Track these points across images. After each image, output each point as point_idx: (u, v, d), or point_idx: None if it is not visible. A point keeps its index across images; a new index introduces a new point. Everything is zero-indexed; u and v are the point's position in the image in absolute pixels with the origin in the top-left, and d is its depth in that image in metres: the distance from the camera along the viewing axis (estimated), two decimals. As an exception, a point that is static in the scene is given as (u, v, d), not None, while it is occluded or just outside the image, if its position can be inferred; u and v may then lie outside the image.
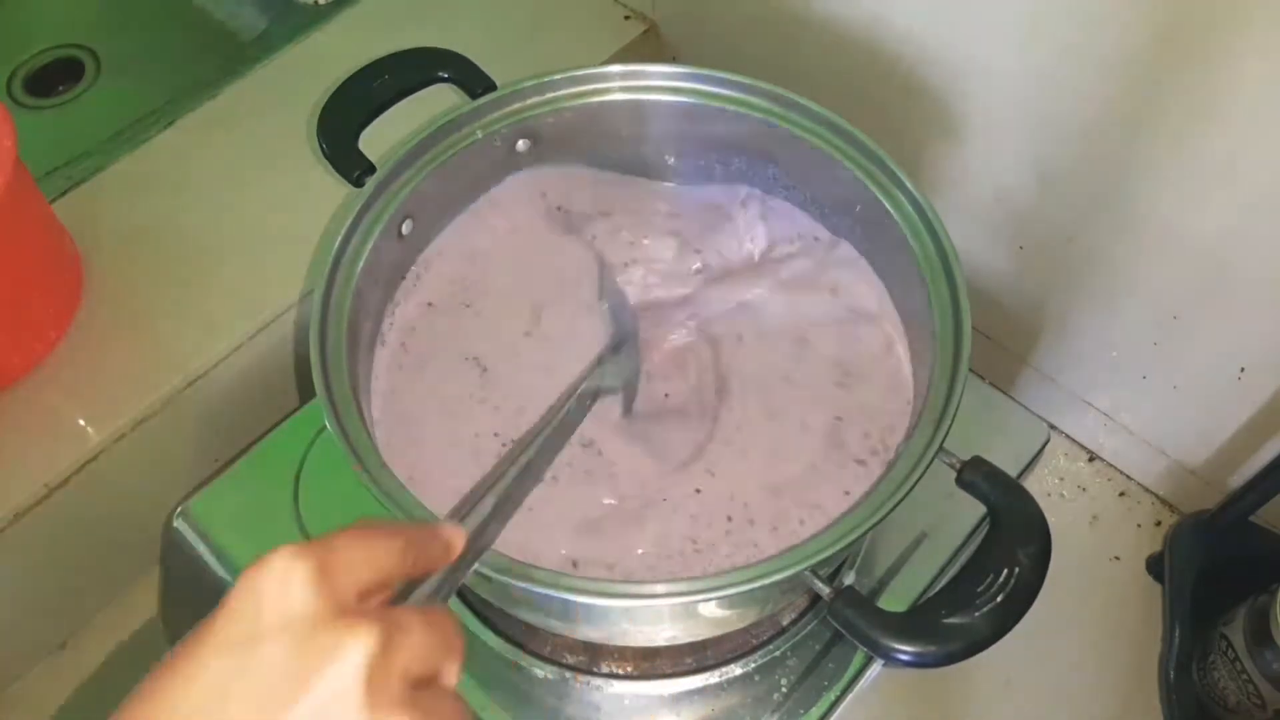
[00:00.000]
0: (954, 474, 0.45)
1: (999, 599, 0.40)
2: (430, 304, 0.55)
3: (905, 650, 0.40)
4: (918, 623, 0.41)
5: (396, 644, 0.28)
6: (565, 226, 0.58)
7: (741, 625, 0.54)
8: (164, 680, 0.28)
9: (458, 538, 0.35)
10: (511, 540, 0.44)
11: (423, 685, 0.29)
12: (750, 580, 0.40)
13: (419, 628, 0.29)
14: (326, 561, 0.29)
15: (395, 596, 0.33)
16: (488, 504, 0.40)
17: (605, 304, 0.54)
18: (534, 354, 0.53)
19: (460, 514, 0.40)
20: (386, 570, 0.31)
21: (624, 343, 0.52)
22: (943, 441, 0.43)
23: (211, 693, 0.27)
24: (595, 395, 0.49)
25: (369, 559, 0.30)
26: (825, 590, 0.42)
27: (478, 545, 0.37)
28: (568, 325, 0.54)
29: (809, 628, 0.55)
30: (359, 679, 0.27)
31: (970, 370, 0.45)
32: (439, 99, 0.56)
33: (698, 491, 0.49)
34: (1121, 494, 0.70)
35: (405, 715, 0.28)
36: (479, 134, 0.54)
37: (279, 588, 0.28)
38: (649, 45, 0.79)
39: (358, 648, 0.27)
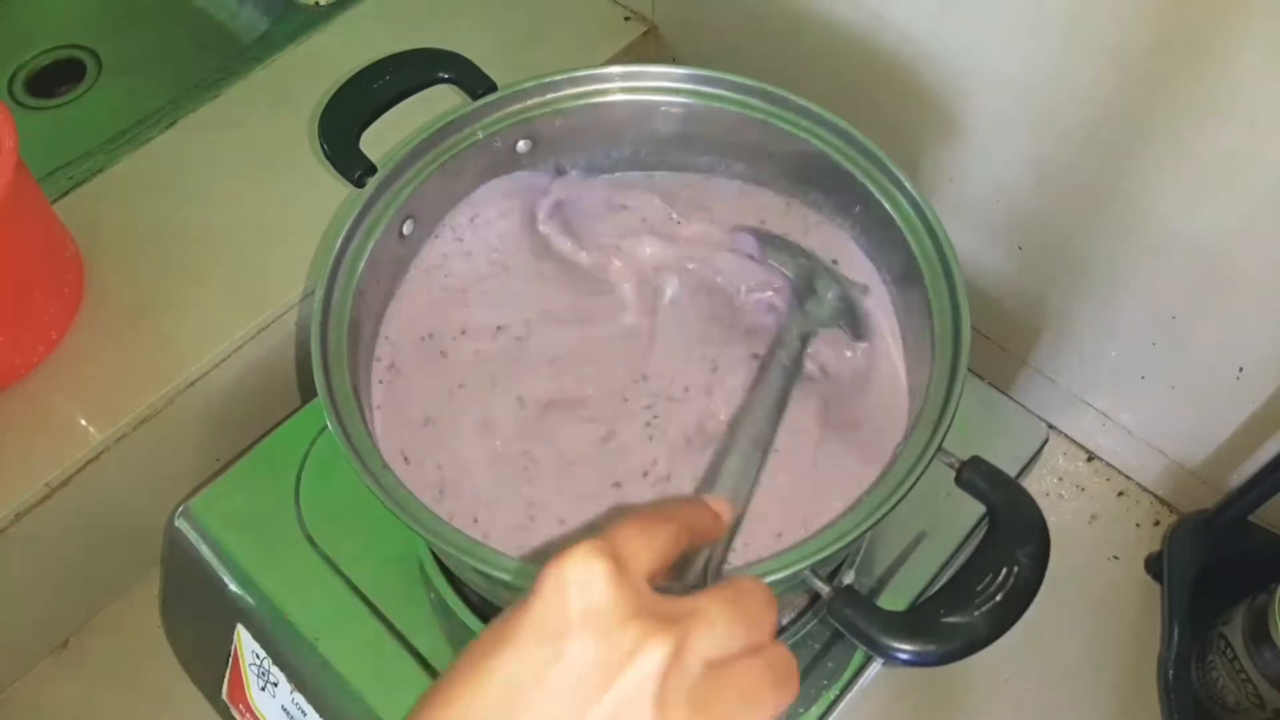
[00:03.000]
0: (953, 474, 0.45)
1: (998, 598, 0.40)
2: (429, 302, 0.55)
3: (904, 649, 0.40)
4: (917, 622, 0.41)
5: (696, 638, 0.29)
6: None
7: (741, 625, 0.54)
8: (469, 679, 0.29)
9: (724, 508, 0.37)
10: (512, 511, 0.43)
11: (739, 658, 0.30)
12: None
13: (723, 615, 0.30)
14: (622, 557, 0.30)
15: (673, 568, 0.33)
16: (732, 467, 0.42)
17: (771, 259, 0.54)
18: (534, 349, 0.53)
19: (710, 485, 0.42)
20: (669, 554, 0.32)
21: (812, 279, 0.52)
22: (942, 441, 0.43)
23: (525, 680, 0.28)
24: (805, 338, 0.49)
25: (654, 546, 0.31)
26: (824, 589, 0.42)
27: (737, 511, 0.39)
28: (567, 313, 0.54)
29: (808, 627, 0.55)
30: (655, 679, 0.28)
31: (969, 370, 0.45)
32: (440, 100, 0.56)
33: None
34: (1120, 494, 0.70)
35: (694, 715, 0.28)
36: (480, 135, 0.54)
37: (583, 584, 0.29)
38: (649, 46, 0.79)
39: (657, 646, 0.28)
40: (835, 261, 0.55)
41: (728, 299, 0.55)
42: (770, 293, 0.54)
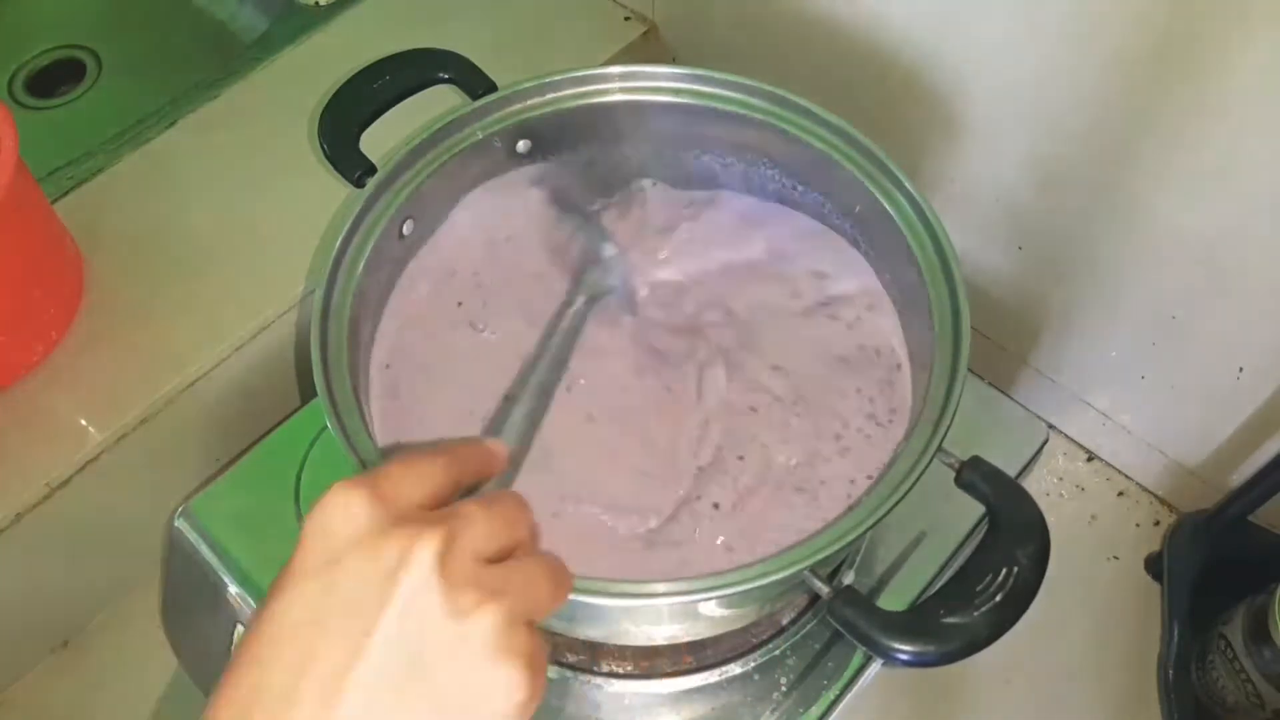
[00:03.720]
0: (953, 474, 0.45)
1: (998, 598, 0.40)
2: (428, 302, 0.55)
3: (904, 649, 0.40)
4: (917, 622, 0.41)
5: (460, 532, 0.31)
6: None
7: (741, 625, 0.54)
8: (261, 621, 0.31)
9: (500, 447, 0.39)
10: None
11: (499, 561, 0.32)
12: (750, 580, 0.40)
13: (479, 513, 0.32)
14: (378, 484, 0.31)
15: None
16: (516, 416, 0.45)
17: (572, 228, 0.56)
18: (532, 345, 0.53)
19: (496, 430, 0.45)
20: (436, 484, 0.33)
21: (602, 251, 0.55)
22: (942, 441, 0.43)
23: (307, 614, 0.30)
24: (589, 300, 0.52)
25: (417, 476, 0.33)
26: (824, 589, 0.42)
27: (516, 454, 0.41)
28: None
29: (808, 627, 0.55)
30: (433, 569, 0.30)
31: (970, 370, 0.45)
32: (440, 100, 0.56)
33: (698, 499, 0.49)
34: (1120, 494, 0.70)
35: (480, 590, 0.30)
36: (479, 135, 0.54)
37: (342, 514, 0.31)
38: (649, 46, 0.79)
39: (425, 544, 0.30)
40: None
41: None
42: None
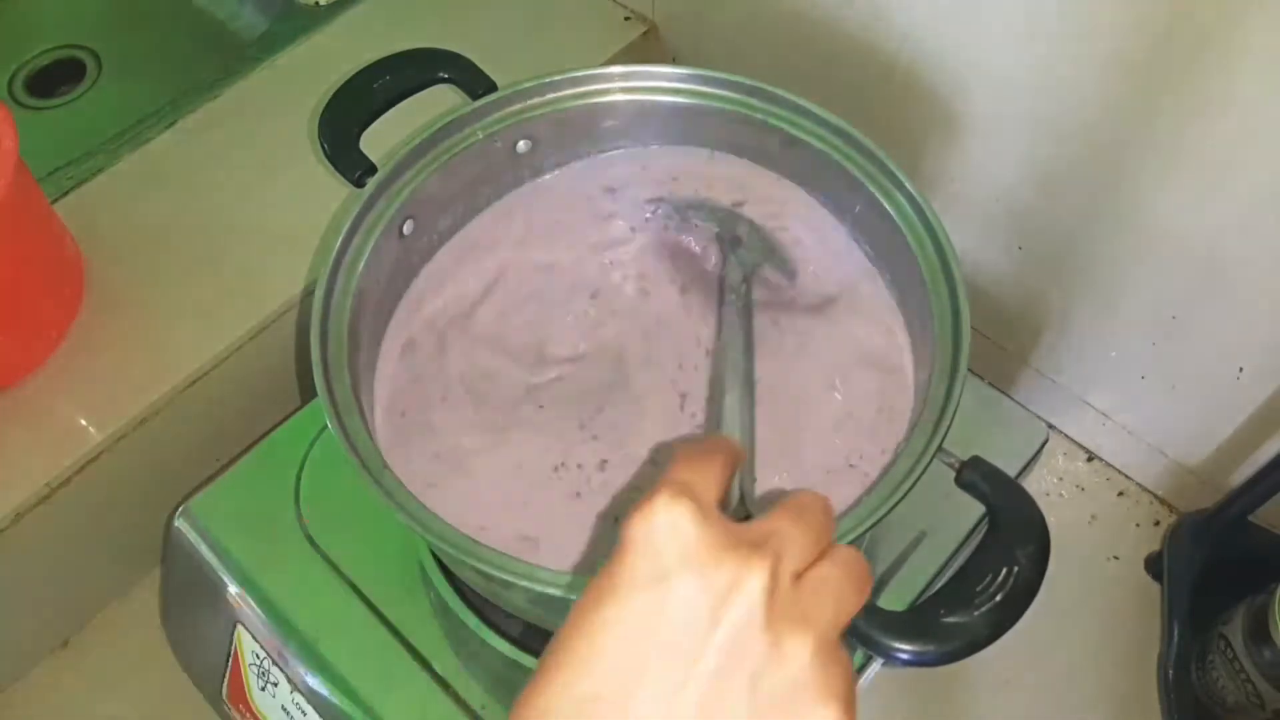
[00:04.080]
0: (953, 474, 0.45)
1: (998, 598, 0.40)
2: (435, 306, 0.55)
3: (904, 649, 0.40)
4: (917, 622, 0.41)
5: (782, 556, 0.30)
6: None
7: (741, 625, 0.54)
8: (578, 637, 0.30)
9: (736, 441, 0.39)
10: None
11: (815, 566, 0.32)
12: (750, 579, 0.40)
13: (796, 532, 0.31)
14: (697, 495, 0.31)
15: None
16: (730, 403, 0.44)
17: (693, 216, 0.56)
18: (532, 344, 0.53)
19: (717, 425, 0.44)
20: (725, 484, 0.33)
21: (732, 223, 0.55)
22: (942, 441, 0.43)
23: (636, 629, 0.29)
24: (747, 279, 0.52)
25: (714, 478, 0.33)
26: (825, 589, 0.42)
27: (747, 442, 0.42)
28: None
29: (808, 627, 0.55)
30: (762, 604, 0.29)
31: (970, 370, 0.45)
32: (440, 100, 0.56)
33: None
34: (1120, 493, 0.70)
35: (802, 628, 0.30)
36: (480, 135, 0.54)
37: (672, 528, 0.30)
38: (649, 46, 0.79)
39: (755, 574, 0.29)
40: (740, 203, 0.57)
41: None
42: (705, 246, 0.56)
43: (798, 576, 0.31)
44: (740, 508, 0.39)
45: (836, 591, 0.31)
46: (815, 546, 0.32)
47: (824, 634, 0.30)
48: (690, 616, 0.29)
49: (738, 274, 0.52)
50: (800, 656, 0.29)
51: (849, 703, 0.30)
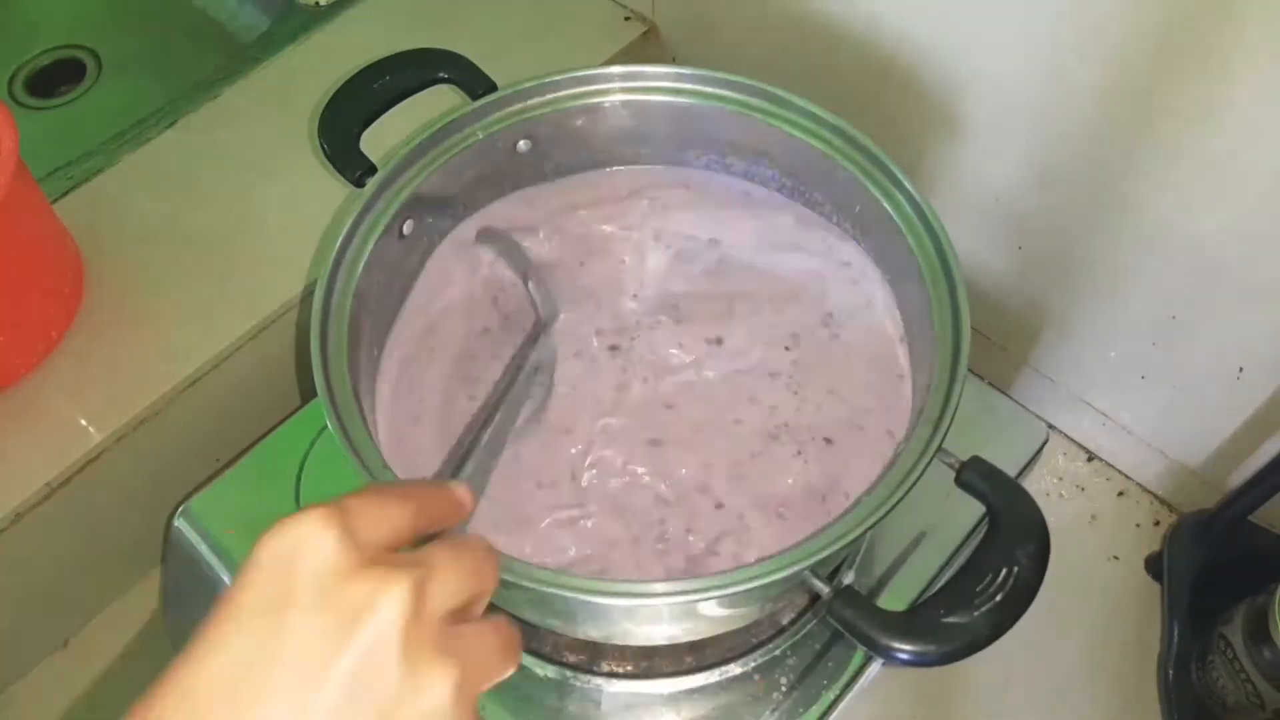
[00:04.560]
0: (953, 474, 0.45)
1: (998, 598, 0.40)
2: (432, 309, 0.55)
3: (904, 649, 0.40)
4: (917, 622, 0.41)
5: (429, 582, 0.28)
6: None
7: (741, 625, 0.54)
8: (193, 660, 0.28)
9: (466, 495, 0.36)
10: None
11: (459, 618, 0.30)
12: (750, 580, 0.40)
13: (450, 563, 0.30)
14: (349, 520, 0.29)
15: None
16: (471, 467, 0.41)
17: (531, 285, 0.54)
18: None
19: (457, 472, 0.41)
20: (402, 529, 0.31)
21: (550, 323, 0.53)
22: (942, 441, 0.43)
23: (253, 656, 0.27)
24: (537, 367, 0.50)
25: (387, 518, 0.30)
26: (824, 589, 0.42)
27: (477, 499, 0.38)
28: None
29: (808, 627, 0.55)
30: (396, 628, 0.27)
31: (970, 370, 0.45)
32: (440, 100, 0.56)
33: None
34: (1120, 494, 0.70)
35: (438, 654, 0.28)
36: (480, 135, 0.54)
37: (308, 545, 0.28)
38: (649, 46, 0.79)
39: (393, 595, 0.28)
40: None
41: None
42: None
43: (452, 618, 0.29)
44: None
45: (484, 645, 0.30)
46: (471, 585, 0.30)
47: (468, 680, 0.28)
48: (310, 645, 0.27)
49: (535, 358, 0.51)
50: (439, 693, 0.28)
51: None
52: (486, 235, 0.57)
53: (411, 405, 0.52)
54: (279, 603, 0.28)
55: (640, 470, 0.49)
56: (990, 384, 0.70)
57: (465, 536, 0.32)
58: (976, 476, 0.44)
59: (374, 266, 0.50)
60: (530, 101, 0.55)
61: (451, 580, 0.29)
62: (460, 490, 0.35)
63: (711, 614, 0.48)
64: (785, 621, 0.55)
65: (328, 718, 0.27)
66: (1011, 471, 0.57)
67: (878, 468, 0.49)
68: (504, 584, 0.42)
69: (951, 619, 0.40)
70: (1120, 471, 0.71)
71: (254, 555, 0.28)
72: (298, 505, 0.59)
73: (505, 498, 0.48)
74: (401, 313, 0.54)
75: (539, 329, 0.53)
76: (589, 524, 0.48)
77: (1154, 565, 0.66)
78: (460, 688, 0.28)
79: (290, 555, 0.28)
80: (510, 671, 0.31)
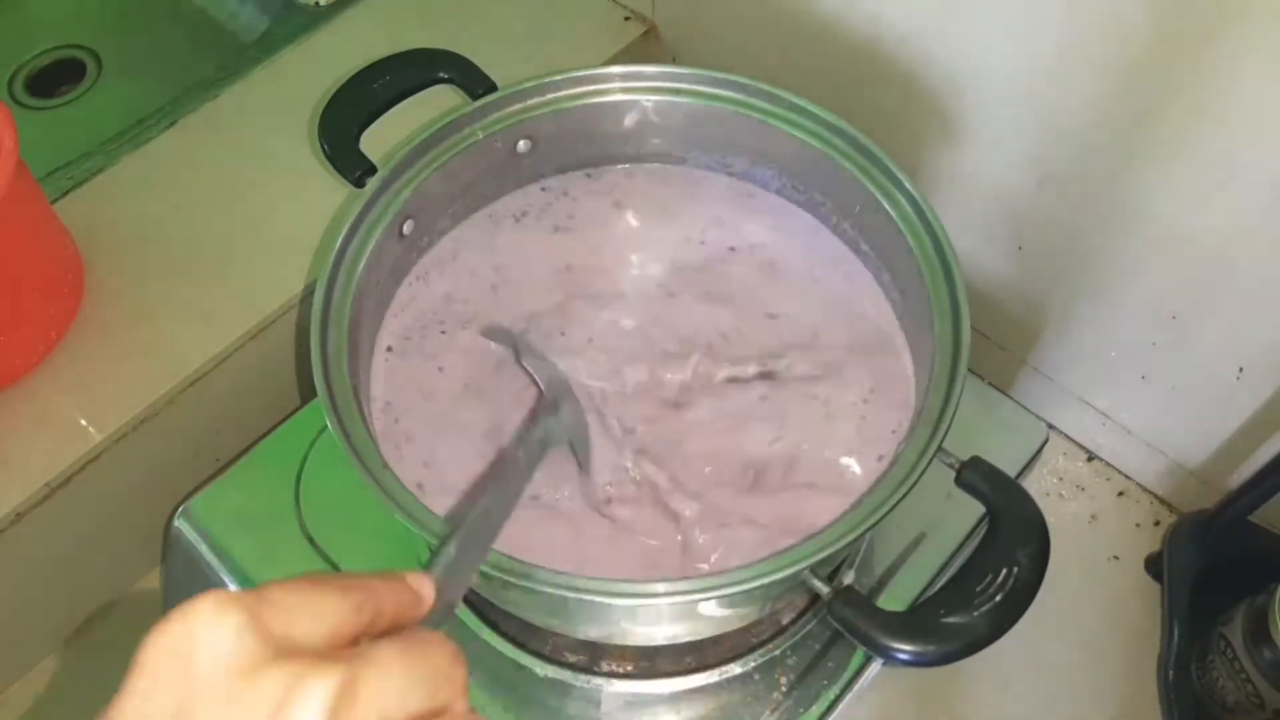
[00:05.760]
0: (953, 474, 0.45)
1: (998, 598, 0.40)
2: (433, 306, 0.55)
3: (904, 649, 0.40)
4: (917, 622, 0.41)
5: (363, 683, 0.24)
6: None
7: (741, 624, 0.54)
8: None
9: (426, 587, 0.30)
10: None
11: None
12: (750, 580, 0.40)
13: (395, 662, 0.25)
14: (258, 609, 0.24)
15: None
16: (450, 552, 0.34)
17: (527, 365, 0.51)
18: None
19: (429, 564, 0.34)
20: (336, 622, 0.26)
21: (560, 399, 0.49)
22: (941, 441, 0.43)
23: None
24: (544, 445, 0.45)
25: (315, 608, 0.25)
26: (824, 590, 0.42)
27: (447, 597, 0.32)
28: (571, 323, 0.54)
29: (808, 627, 0.55)
30: None
31: (970, 370, 0.45)
32: (439, 100, 0.56)
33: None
34: (1120, 494, 0.70)
35: None
36: (480, 135, 0.54)
37: (200, 642, 0.23)
38: (649, 46, 0.79)
39: (311, 694, 0.23)
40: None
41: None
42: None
43: None
44: None
45: None
46: (429, 694, 0.25)
47: None
48: None
49: (540, 438, 0.45)
50: None
51: None
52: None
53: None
54: (178, 709, 0.23)
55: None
56: (990, 384, 0.70)
57: (426, 634, 0.27)
58: (976, 476, 0.44)
59: (374, 266, 0.50)
60: (530, 101, 0.55)
61: (395, 686, 0.24)
62: (418, 581, 0.30)
63: (711, 614, 0.48)
64: (785, 621, 0.56)
65: None
66: (1011, 471, 0.57)
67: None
68: (505, 584, 0.42)
69: (951, 619, 0.40)
70: (1120, 471, 0.71)
71: (139, 657, 0.24)
72: (298, 505, 0.59)
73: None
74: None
75: (541, 405, 0.51)
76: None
77: (1154, 565, 0.66)
78: None
79: (184, 652, 0.23)
80: None
